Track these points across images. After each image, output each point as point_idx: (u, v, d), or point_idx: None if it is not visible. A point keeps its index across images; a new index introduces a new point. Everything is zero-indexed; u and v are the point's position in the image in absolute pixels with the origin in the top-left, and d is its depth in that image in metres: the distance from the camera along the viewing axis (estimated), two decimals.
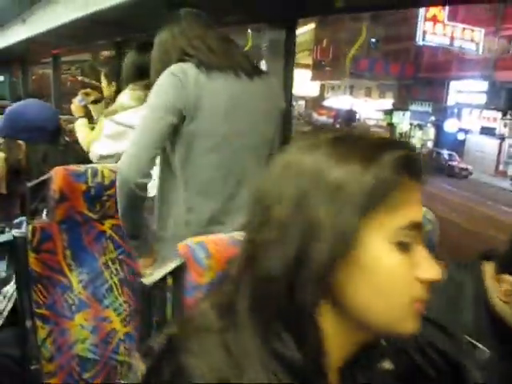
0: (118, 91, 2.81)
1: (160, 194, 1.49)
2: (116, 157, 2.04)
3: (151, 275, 0.86)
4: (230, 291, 0.62)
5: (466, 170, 21.07)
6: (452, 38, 22.83)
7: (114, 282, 1.66)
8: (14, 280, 1.61)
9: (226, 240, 0.88)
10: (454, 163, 21.65)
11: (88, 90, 3.02)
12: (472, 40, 22.49)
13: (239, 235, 0.93)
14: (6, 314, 1.60)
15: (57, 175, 1.50)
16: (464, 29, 22.54)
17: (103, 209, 1.61)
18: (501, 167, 21.33)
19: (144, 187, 1.36)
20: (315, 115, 35.61)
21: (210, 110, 1.36)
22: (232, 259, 0.66)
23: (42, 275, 1.50)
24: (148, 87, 2.17)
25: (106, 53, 6.42)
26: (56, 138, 1.84)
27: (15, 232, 1.68)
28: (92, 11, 2.78)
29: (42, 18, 3.55)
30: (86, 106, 2.90)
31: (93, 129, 2.85)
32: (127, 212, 1.44)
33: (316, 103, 36.93)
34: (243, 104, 1.41)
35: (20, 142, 1.80)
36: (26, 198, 1.55)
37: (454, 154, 22.28)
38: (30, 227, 1.48)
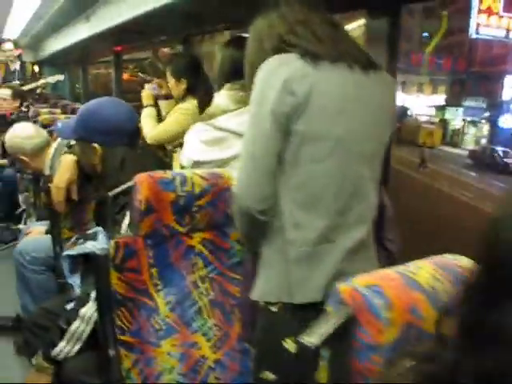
0: (189, 89, 2.65)
1: None
2: (213, 164, 1.81)
3: (312, 333, 0.64)
4: (448, 360, 0.44)
5: None
6: (508, 30, 21.85)
7: (204, 304, 1.46)
8: (92, 300, 1.44)
9: (401, 280, 0.66)
10: (510, 160, 20.78)
11: (161, 81, 2.87)
12: None
13: (409, 271, 0.70)
14: (84, 337, 1.43)
15: (142, 183, 1.31)
16: None
17: (193, 221, 1.42)
18: None
19: (269, 210, 1.15)
20: None
21: (320, 108, 1.11)
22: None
23: (125, 297, 1.31)
24: (250, 86, 1.97)
25: (165, 50, 6.30)
26: (134, 140, 1.66)
27: (95, 247, 1.53)
28: (161, 4, 2.63)
29: (106, 15, 3.44)
30: (155, 99, 2.77)
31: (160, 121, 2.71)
32: (251, 235, 1.25)
33: None
34: (357, 102, 1.17)
35: (95, 145, 1.63)
36: (106, 207, 1.37)
37: (509, 150, 21.40)
38: (113, 243, 1.29)
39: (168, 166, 1.92)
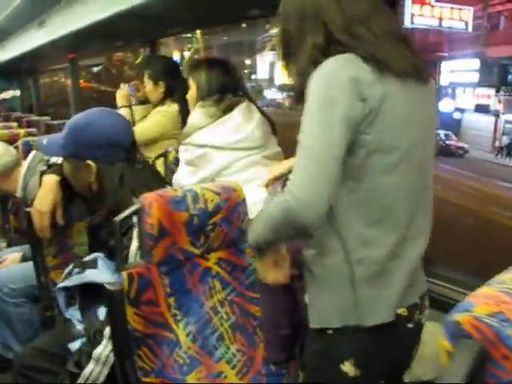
0: (167, 92, 2.51)
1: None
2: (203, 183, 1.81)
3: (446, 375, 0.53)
4: None
5: (463, 148, 20.88)
6: (441, 19, 22.48)
7: (225, 329, 1.34)
8: (107, 339, 1.29)
9: None
10: (451, 142, 21.45)
11: (138, 83, 2.72)
12: (461, 19, 22.16)
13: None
14: (101, 381, 1.28)
15: (152, 204, 1.17)
16: (452, 8, 22.20)
17: (208, 241, 1.29)
18: (497, 143, 21.09)
19: (319, 226, 1.00)
20: None
21: (392, 117, 1.01)
22: None
23: (145, 334, 1.17)
24: (219, 101, 1.90)
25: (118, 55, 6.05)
26: (132, 154, 1.49)
27: (98, 277, 1.38)
28: (127, 7, 2.46)
29: (63, 20, 3.21)
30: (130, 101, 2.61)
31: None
32: (279, 239, 1.09)
33: None
34: (420, 111, 1.09)
35: (89, 162, 1.46)
36: (114, 234, 1.21)
37: (450, 133, 22.04)
38: (126, 274, 1.14)
39: (168, 181, 1.78)
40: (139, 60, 6.33)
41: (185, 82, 2.56)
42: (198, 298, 1.29)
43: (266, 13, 2.72)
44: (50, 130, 4.00)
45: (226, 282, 1.35)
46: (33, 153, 2.34)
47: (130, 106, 2.61)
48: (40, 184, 1.73)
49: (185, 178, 1.86)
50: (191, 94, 1.99)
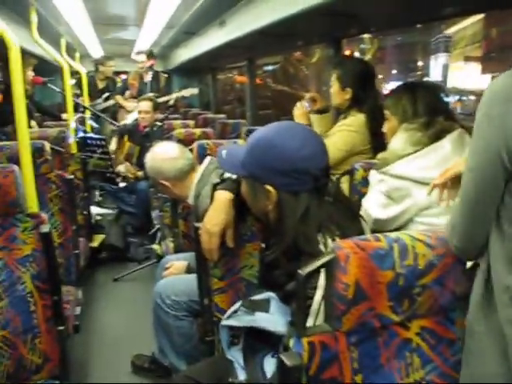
0: (353, 100, 2.24)
1: None
2: (392, 221, 1.61)
3: None
4: None
5: None
6: None
7: None
8: None
9: None
10: None
11: (315, 94, 2.49)
12: None
13: None
14: None
15: (349, 257, 0.90)
16: None
17: (412, 307, 0.99)
18: None
19: None
20: None
21: None
22: None
23: None
24: (427, 126, 1.60)
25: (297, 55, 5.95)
26: (323, 183, 1.23)
27: (268, 322, 1.17)
28: (313, 4, 2.22)
29: (243, 19, 3.11)
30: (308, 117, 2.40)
31: None
32: None
33: None
34: None
35: (269, 187, 1.24)
36: (296, 288, 0.96)
37: None
38: (307, 343, 0.90)
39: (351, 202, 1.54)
40: (315, 59, 6.18)
41: (376, 92, 2.29)
42: (391, 377, 1.00)
43: (463, 11, 2.34)
44: (225, 129, 3.97)
45: (427, 357, 1.04)
46: (208, 159, 2.23)
47: (309, 125, 2.38)
48: (212, 198, 1.57)
49: (376, 210, 1.62)
50: (390, 126, 1.72)
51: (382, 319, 0.96)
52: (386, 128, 1.77)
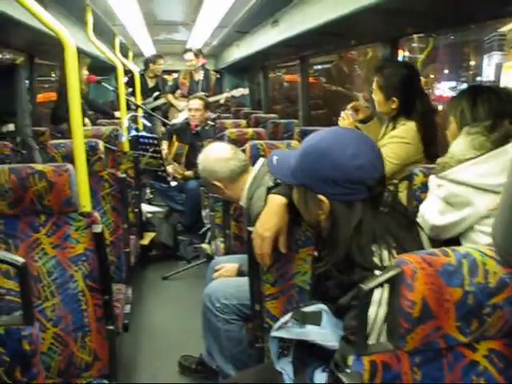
0: (401, 108, 2.14)
1: None
2: (451, 228, 1.54)
3: None
4: None
5: None
6: None
7: None
8: None
9: None
10: None
11: (357, 103, 2.41)
12: None
13: None
14: None
15: (416, 273, 0.84)
16: None
17: (481, 328, 0.91)
18: None
19: None
20: None
21: None
22: None
23: None
24: (491, 129, 1.51)
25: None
26: (378, 193, 1.16)
27: (319, 336, 1.11)
28: (370, 2, 2.14)
29: (296, 18, 3.06)
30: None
31: None
32: None
33: None
34: None
35: (321, 197, 1.19)
36: (357, 305, 0.91)
37: None
38: (368, 362, 0.84)
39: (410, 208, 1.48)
40: (368, 58, 6.04)
41: (425, 97, 2.18)
42: None
43: None
44: (277, 129, 3.92)
45: (494, 382, 0.97)
46: (261, 160, 2.18)
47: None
48: (265, 201, 1.53)
49: (433, 216, 1.56)
50: (451, 130, 1.64)
51: (448, 339, 0.90)
52: (447, 132, 1.70)
